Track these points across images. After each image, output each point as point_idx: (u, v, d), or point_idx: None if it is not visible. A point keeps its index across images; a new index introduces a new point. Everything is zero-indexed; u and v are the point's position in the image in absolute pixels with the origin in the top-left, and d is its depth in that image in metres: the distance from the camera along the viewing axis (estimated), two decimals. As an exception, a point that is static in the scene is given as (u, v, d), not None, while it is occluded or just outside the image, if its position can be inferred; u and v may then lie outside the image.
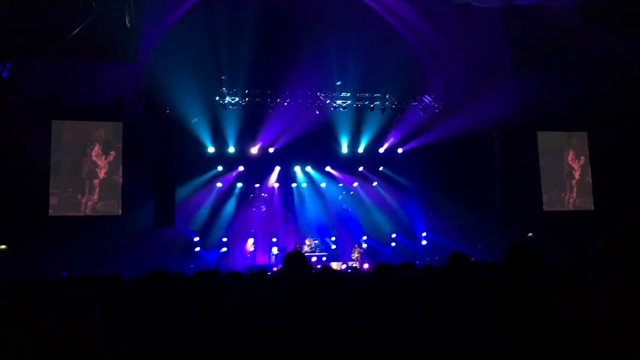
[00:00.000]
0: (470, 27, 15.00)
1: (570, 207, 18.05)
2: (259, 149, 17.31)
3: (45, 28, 11.98)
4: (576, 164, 18.26)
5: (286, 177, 18.12)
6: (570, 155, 18.28)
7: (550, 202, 17.91)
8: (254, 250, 17.20)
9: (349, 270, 14.24)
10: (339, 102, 17.13)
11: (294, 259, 3.70)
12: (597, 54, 14.07)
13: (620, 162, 16.37)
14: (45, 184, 14.56)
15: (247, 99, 16.37)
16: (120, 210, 15.10)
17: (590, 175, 18.21)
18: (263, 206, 17.74)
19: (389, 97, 17.34)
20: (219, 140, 16.77)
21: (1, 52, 12.23)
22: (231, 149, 16.94)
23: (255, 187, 17.68)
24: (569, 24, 13.54)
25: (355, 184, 18.46)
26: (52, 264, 12.36)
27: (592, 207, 17.99)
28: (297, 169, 18.18)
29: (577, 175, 18.23)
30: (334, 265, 16.33)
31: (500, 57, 15.42)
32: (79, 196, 14.91)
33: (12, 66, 12.66)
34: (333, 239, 18.08)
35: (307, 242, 17.17)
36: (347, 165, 18.26)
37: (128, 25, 12.55)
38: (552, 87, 15.30)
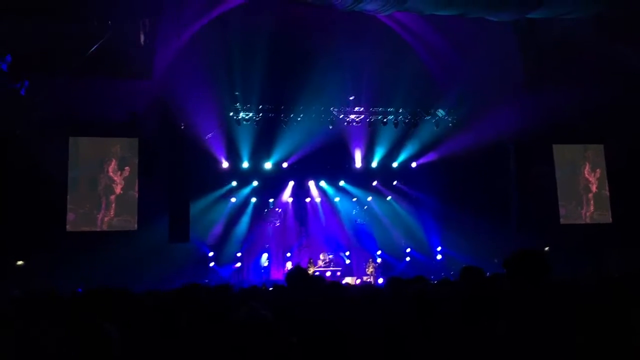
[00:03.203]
0: (484, 41, 14.99)
1: (588, 220, 17.83)
2: (272, 164, 17.36)
3: (61, 46, 12.20)
4: (592, 176, 18.06)
5: (300, 192, 18.14)
6: (587, 168, 18.09)
7: (567, 215, 17.71)
8: (268, 265, 17.18)
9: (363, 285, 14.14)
10: (352, 116, 17.17)
11: (297, 277, 3.67)
12: (611, 65, 13.99)
13: (638, 174, 16.18)
14: (62, 199, 14.71)
15: (260, 114, 16.46)
16: (136, 226, 15.19)
17: (607, 188, 17.99)
18: (277, 221, 17.75)
19: (402, 111, 17.32)
20: (233, 155, 16.87)
21: (20, 69, 12.44)
22: (245, 164, 17.03)
23: (269, 202, 17.71)
24: (582, 36, 13.49)
25: (369, 199, 18.41)
26: (68, 279, 12.43)
27: (610, 220, 17.76)
28: (311, 183, 18.19)
29: (594, 188, 18.02)
30: (349, 280, 16.26)
31: (514, 69, 15.39)
32: (96, 212, 15.04)
33: (30, 83, 12.87)
34: (347, 253, 18.01)
35: (321, 256, 17.11)
36: (361, 179, 18.23)
37: (142, 43, 12.74)
38: (567, 100, 15.20)
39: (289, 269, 16.72)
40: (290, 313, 3.17)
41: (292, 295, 3.52)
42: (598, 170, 18.06)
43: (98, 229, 15.01)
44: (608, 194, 17.96)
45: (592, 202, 17.93)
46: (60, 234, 14.47)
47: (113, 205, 15.16)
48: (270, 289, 14.37)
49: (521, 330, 2.61)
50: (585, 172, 18.06)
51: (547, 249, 15.60)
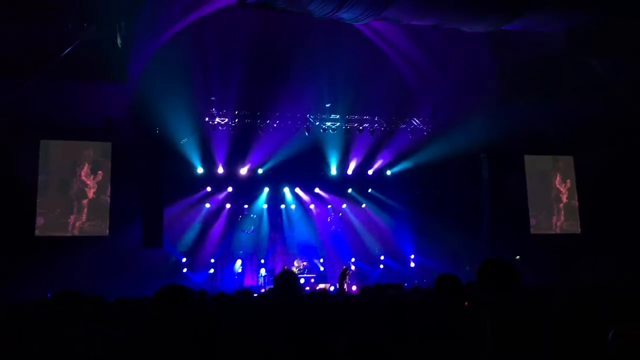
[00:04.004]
0: (459, 52, 15.22)
1: (558, 230, 18.12)
2: (248, 170, 17.31)
3: (35, 48, 11.99)
4: (563, 187, 18.39)
5: (275, 199, 18.11)
6: (557, 179, 18.42)
7: (537, 225, 17.98)
8: (242, 272, 17.09)
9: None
10: (328, 123, 17.22)
11: (285, 279, 3.69)
12: (582, 78, 14.30)
13: (606, 185, 16.53)
14: (32, 204, 14.41)
15: (236, 120, 16.41)
16: (107, 231, 14.94)
17: (577, 198, 18.34)
18: (252, 227, 17.68)
19: (378, 120, 17.46)
20: (208, 161, 16.77)
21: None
22: (220, 170, 16.94)
23: (244, 208, 17.64)
24: (555, 49, 13.78)
25: (344, 206, 18.47)
26: (37, 284, 12.18)
27: (579, 230, 18.09)
28: (286, 190, 18.19)
29: (564, 198, 18.34)
30: (322, 286, 16.25)
31: (488, 81, 15.63)
32: (67, 216, 14.76)
33: (0, 85, 12.62)
34: (321, 260, 18.03)
35: (295, 263, 17.09)
36: (336, 186, 18.30)
37: (119, 45, 12.60)
38: (539, 111, 15.49)
39: (263, 274, 16.69)
40: (280, 317, 3.18)
41: (280, 298, 3.52)
42: (568, 180, 18.40)
43: (69, 234, 14.73)
44: (577, 204, 18.31)
45: (562, 212, 18.24)
46: (29, 239, 14.15)
47: (85, 209, 14.91)
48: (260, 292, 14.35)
49: (493, 336, 2.66)
50: (556, 182, 18.38)
51: (517, 257, 15.85)
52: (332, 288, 16.34)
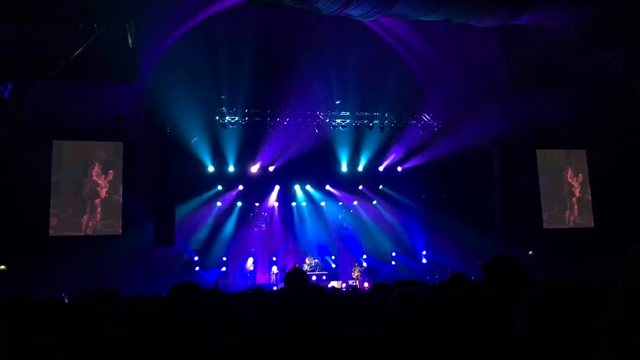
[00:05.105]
0: (469, 47, 15.13)
1: (571, 225, 17.99)
2: (258, 168, 17.35)
3: (46, 49, 12.08)
4: (575, 181, 18.25)
5: (286, 196, 18.13)
6: (569, 173, 18.28)
7: (550, 219, 17.87)
8: (253, 270, 17.14)
9: (349, 289, 14.17)
10: (338, 120, 17.22)
11: (296, 278, 3.70)
12: (594, 72, 14.17)
13: (619, 179, 16.39)
14: (45, 204, 14.55)
15: (246, 118, 16.45)
16: (120, 230, 15.06)
17: (589, 192, 18.19)
18: (263, 225, 17.73)
19: (388, 116, 17.42)
20: (219, 159, 16.83)
21: (3, 73, 12.30)
22: (231, 168, 16.99)
23: (255, 206, 17.68)
24: (566, 43, 13.66)
25: (355, 203, 18.46)
26: (51, 284, 12.30)
27: (592, 225, 17.95)
28: (297, 187, 18.20)
29: (577, 192, 18.20)
30: (334, 284, 16.25)
31: (499, 75, 15.54)
32: (81, 216, 14.88)
33: (13, 87, 12.73)
34: (333, 257, 18.03)
35: (307, 261, 17.10)
36: (347, 183, 18.28)
37: (130, 45, 12.66)
38: (550, 105, 15.37)
39: (275, 272, 16.71)
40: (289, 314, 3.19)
41: (291, 297, 3.54)
42: (581, 174, 18.26)
43: (82, 234, 14.85)
44: (590, 198, 18.16)
45: (575, 206, 18.11)
46: (43, 239, 14.29)
47: (98, 209, 15.02)
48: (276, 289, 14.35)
49: (501, 334, 2.65)
50: (569, 176, 18.24)
51: (530, 253, 15.75)
52: (343, 285, 16.33)
